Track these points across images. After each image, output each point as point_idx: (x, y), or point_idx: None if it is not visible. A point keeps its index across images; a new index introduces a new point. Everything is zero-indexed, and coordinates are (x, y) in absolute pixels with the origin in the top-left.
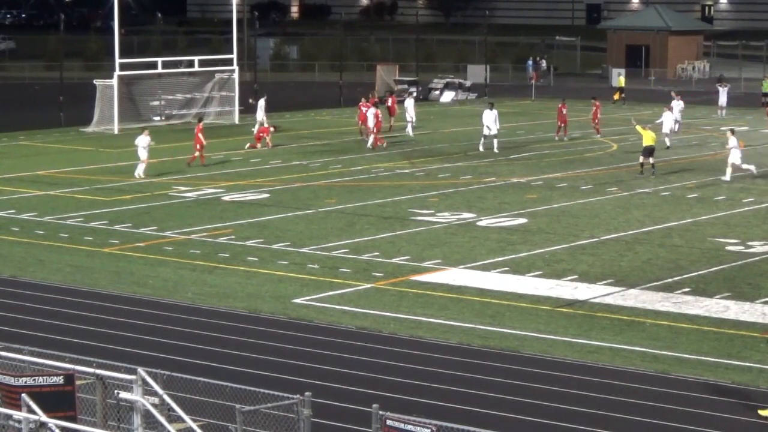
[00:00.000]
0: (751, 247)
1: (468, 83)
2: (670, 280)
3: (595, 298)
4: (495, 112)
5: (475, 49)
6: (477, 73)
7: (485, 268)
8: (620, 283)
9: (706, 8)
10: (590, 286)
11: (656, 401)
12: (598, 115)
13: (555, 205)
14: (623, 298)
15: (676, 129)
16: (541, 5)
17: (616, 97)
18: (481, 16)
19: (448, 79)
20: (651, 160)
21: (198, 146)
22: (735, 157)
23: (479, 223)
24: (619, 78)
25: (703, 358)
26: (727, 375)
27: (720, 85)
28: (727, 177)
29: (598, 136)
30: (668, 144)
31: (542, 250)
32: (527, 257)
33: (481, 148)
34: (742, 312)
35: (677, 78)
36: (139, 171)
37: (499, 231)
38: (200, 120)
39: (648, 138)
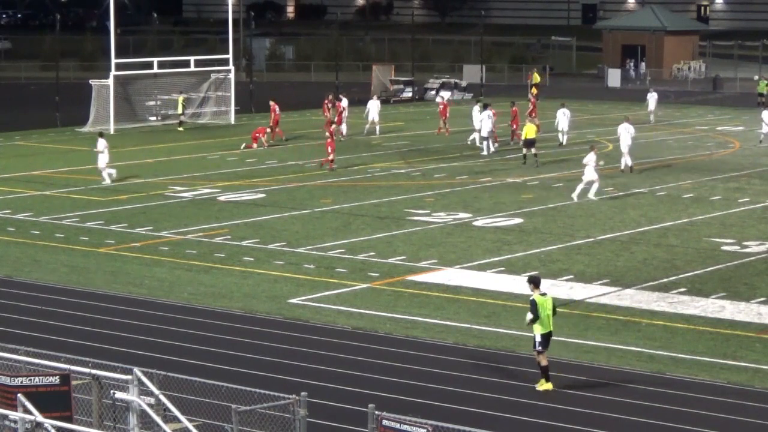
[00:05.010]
0: (746, 247)
1: (464, 83)
2: (665, 280)
3: (590, 298)
4: (488, 112)
5: (471, 49)
6: (473, 73)
7: (481, 268)
8: (616, 283)
9: (702, 8)
10: (586, 286)
11: (652, 401)
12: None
13: (551, 205)
14: (619, 298)
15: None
16: (536, 5)
17: (533, 92)
18: (476, 16)
19: (443, 79)
20: (533, 150)
21: (330, 149)
22: None
23: (475, 223)
24: (534, 74)
25: (698, 358)
26: (722, 375)
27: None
28: None
29: (512, 141)
30: (562, 141)
31: (538, 250)
32: (523, 257)
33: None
34: (738, 312)
35: (673, 78)
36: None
37: (495, 231)
38: (331, 124)
39: (529, 131)
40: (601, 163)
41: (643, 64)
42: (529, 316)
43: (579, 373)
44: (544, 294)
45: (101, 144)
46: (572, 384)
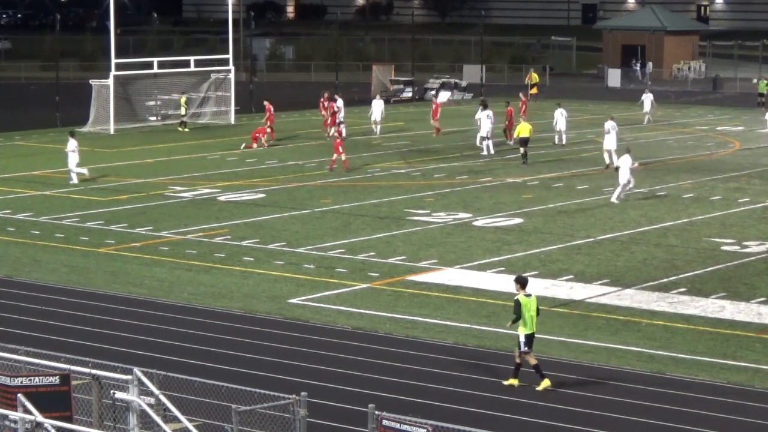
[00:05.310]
0: (746, 247)
1: (464, 83)
2: (665, 280)
3: (590, 298)
4: (487, 112)
5: (471, 49)
6: (473, 73)
7: (481, 268)
8: (616, 283)
9: (702, 8)
10: (586, 286)
11: (652, 401)
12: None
13: (551, 205)
14: (619, 298)
15: None
16: (536, 5)
17: (533, 91)
18: (476, 16)
19: (443, 79)
20: (525, 149)
21: (341, 149)
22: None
23: (475, 223)
24: (532, 74)
25: (698, 358)
26: (722, 375)
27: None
28: None
29: (510, 141)
30: (562, 141)
31: (538, 250)
32: (523, 257)
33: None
34: (738, 312)
35: (673, 78)
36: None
37: (495, 231)
38: (339, 124)
39: (523, 130)
40: (636, 164)
41: (650, 64)
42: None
43: (579, 373)
44: (529, 295)
45: (72, 144)
46: (572, 384)
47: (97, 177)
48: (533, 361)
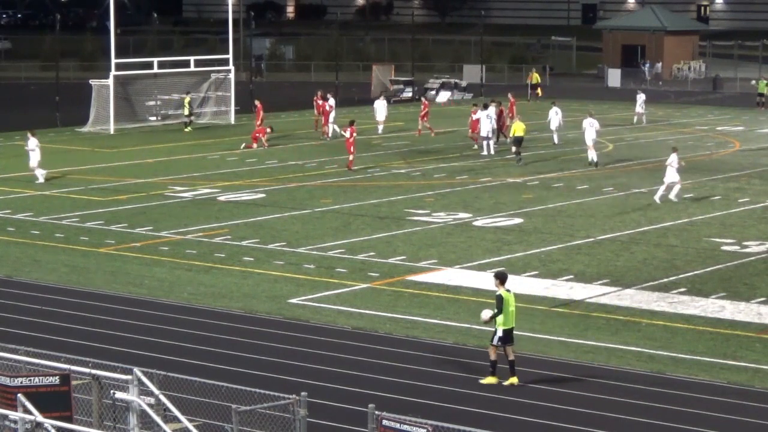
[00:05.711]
0: (746, 247)
1: (464, 83)
2: (665, 280)
3: (590, 298)
4: (487, 112)
5: (471, 49)
6: (473, 73)
7: (481, 268)
8: (616, 283)
9: (702, 8)
10: (586, 286)
11: (652, 401)
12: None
13: (551, 205)
14: (619, 298)
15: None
16: (536, 5)
17: (539, 92)
18: (476, 16)
19: (444, 79)
20: (518, 148)
21: (353, 149)
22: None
23: (475, 223)
24: (533, 74)
25: (698, 358)
26: (722, 375)
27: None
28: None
29: (508, 141)
30: (556, 141)
31: (538, 250)
32: (523, 257)
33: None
34: (738, 312)
35: (673, 78)
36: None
37: (495, 231)
38: (352, 123)
39: (517, 129)
40: (683, 163)
41: (659, 65)
42: (487, 313)
43: (579, 373)
44: (508, 290)
45: (32, 143)
46: (573, 384)
47: (60, 176)
48: (493, 357)
